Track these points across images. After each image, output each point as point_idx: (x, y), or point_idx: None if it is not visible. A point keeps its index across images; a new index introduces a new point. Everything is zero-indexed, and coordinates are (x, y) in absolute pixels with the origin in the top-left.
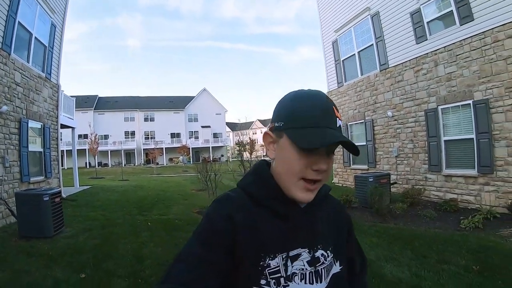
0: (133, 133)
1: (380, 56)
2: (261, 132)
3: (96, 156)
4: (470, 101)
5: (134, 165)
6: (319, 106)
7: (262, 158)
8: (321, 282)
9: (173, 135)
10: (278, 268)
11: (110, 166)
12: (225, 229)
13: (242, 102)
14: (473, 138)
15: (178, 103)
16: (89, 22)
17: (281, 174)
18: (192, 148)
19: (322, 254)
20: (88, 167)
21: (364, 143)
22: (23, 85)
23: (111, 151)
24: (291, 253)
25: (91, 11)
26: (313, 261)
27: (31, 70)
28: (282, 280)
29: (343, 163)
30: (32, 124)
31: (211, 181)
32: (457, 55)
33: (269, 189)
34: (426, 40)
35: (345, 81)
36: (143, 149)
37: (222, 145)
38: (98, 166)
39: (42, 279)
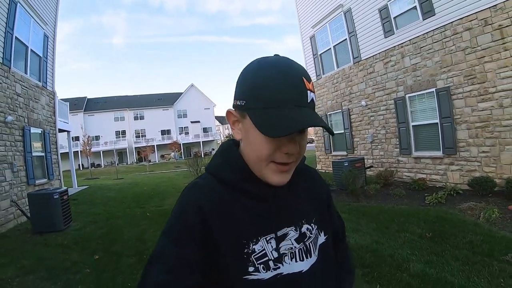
0: (123, 132)
1: (353, 50)
2: None
3: (89, 157)
4: (434, 89)
5: (126, 164)
6: (285, 80)
7: (231, 138)
8: (311, 256)
9: (163, 132)
10: (264, 251)
11: (103, 166)
12: (196, 222)
13: (230, 94)
14: (437, 123)
15: (166, 100)
16: (74, 21)
17: (250, 157)
18: (183, 143)
19: (307, 228)
20: (81, 168)
21: (342, 131)
22: (24, 95)
23: (103, 152)
24: (275, 234)
25: (76, 11)
26: (300, 238)
27: (29, 80)
28: (271, 263)
29: (324, 150)
30: (34, 130)
31: (201, 173)
32: (421, 47)
33: (240, 171)
34: (393, 34)
35: (323, 74)
36: (135, 147)
37: (212, 139)
38: (91, 167)
39: (62, 262)
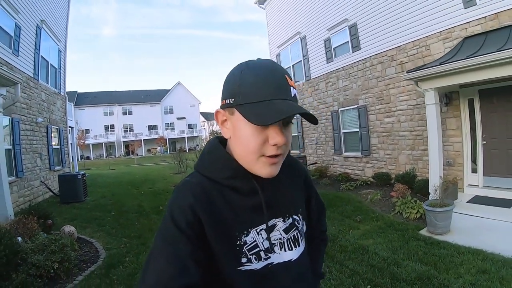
0: (112, 127)
1: (305, 70)
2: None
3: (81, 150)
4: (356, 106)
5: (115, 157)
6: (270, 77)
7: (215, 136)
8: (299, 245)
9: (150, 127)
10: (255, 242)
11: (92, 158)
12: (189, 221)
13: (216, 92)
14: (358, 131)
15: (154, 96)
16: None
17: (240, 153)
18: (168, 139)
19: (294, 219)
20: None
21: (296, 134)
22: (47, 101)
23: (92, 145)
24: (265, 226)
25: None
26: (288, 228)
27: (49, 88)
28: (262, 253)
29: None
30: (53, 128)
31: (183, 166)
32: (350, 74)
33: (228, 168)
34: (333, 61)
35: None
36: (123, 141)
37: (197, 135)
38: (81, 159)
39: (90, 217)
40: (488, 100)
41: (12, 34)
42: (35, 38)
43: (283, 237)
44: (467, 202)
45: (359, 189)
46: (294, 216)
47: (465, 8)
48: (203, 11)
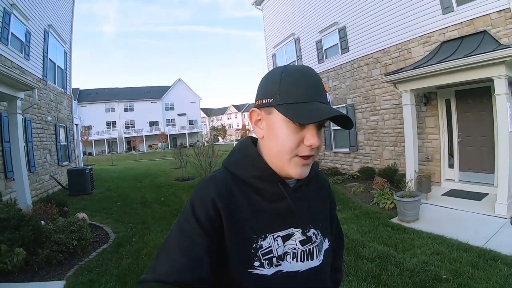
0: (114, 123)
1: None
2: (236, 117)
3: (85, 146)
4: (345, 105)
5: (116, 152)
6: (310, 81)
7: (248, 136)
8: (312, 259)
9: (151, 123)
10: (270, 248)
11: (94, 155)
12: (209, 214)
13: (218, 86)
14: None
15: (155, 93)
16: None
17: (273, 152)
18: (169, 135)
19: (313, 233)
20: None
21: None
22: (55, 100)
23: (94, 141)
24: (283, 233)
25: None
26: (306, 241)
27: (57, 89)
28: (274, 260)
29: None
30: (60, 126)
31: (184, 161)
32: (339, 74)
33: (257, 168)
34: (324, 61)
35: None
36: (124, 137)
37: (197, 131)
38: (83, 155)
39: (99, 207)
40: (464, 101)
41: (23, 40)
42: (43, 42)
43: (298, 248)
44: (442, 194)
45: (345, 182)
46: (313, 230)
47: (443, 14)
48: (204, 8)
